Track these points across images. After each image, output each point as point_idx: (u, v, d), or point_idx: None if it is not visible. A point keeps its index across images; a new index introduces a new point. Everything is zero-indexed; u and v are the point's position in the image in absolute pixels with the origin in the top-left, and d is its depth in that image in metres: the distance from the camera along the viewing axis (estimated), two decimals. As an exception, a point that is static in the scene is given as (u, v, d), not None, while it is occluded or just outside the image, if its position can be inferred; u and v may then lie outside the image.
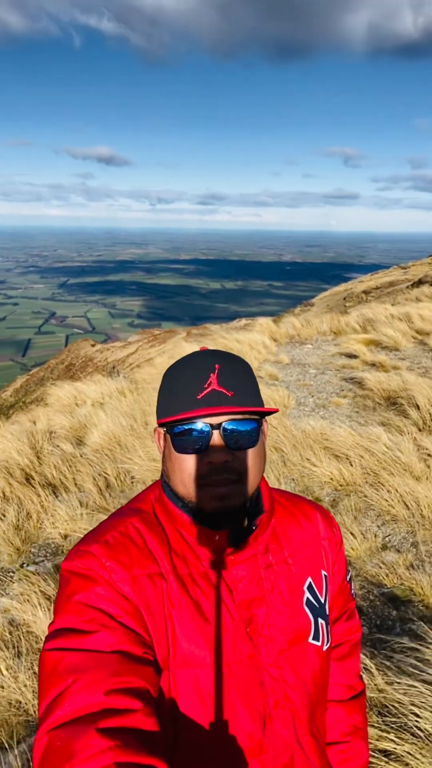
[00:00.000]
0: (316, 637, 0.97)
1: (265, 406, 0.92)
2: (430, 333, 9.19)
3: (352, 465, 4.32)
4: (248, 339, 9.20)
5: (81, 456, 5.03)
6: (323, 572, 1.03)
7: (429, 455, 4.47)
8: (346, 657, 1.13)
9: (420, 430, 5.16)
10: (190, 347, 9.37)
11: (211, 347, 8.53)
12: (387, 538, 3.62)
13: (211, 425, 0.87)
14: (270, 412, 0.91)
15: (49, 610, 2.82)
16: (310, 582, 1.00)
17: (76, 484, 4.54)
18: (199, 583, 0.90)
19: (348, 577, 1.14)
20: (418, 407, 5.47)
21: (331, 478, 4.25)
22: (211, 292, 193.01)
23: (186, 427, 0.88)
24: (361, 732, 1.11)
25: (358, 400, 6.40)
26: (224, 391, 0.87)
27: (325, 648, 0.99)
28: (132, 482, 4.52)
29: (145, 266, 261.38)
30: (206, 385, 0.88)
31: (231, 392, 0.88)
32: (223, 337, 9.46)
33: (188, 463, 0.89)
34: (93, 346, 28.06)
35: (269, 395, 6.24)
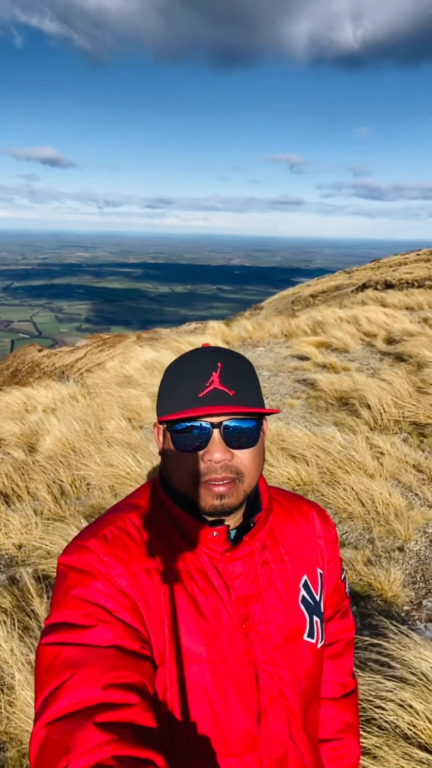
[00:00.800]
0: (310, 635, 0.98)
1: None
2: (377, 335, 9.47)
3: (308, 465, 4.39)
4: (201, 342, 9.20)
5: (33, 463, 4.87)
6: (319, 570, 1.04)
7: (381, 453, 4.60)
8: (339, 655, 1.14)
9: (372, 429, 5.30)
10: (143, 351, 9.28)
11: (165, 351, 8.48)
12: (344, 535, 3.69)
13: (211, 424, 0.88)
14: (270, 413, 0.92)
15: (5, 623, 2.70)
16: (305, 579, 1.01)
17: (29, 492, 4.39)
18: (196, 579, 0.90)
19: (342, 576, 1.15)
20: (369, 407, 5.61)
21: (289, 478, 4.29)
22: (161, 295, 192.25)
23: (186, 425, 0.89)
24: (353, 729, 1.12)
25: (311, 401, 6.51)
26: (226, 390, 0.88)
27: (319, 645, 1.00)
28: (88, 489, 4.42)
29: (93, 270, 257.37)
30: (208, 384, 0.88)
31: (233, 391, 0.88)
32: (176, 341, 9.43)
33: (187, 460, 0.89)
34: (40, 351, 27.35)
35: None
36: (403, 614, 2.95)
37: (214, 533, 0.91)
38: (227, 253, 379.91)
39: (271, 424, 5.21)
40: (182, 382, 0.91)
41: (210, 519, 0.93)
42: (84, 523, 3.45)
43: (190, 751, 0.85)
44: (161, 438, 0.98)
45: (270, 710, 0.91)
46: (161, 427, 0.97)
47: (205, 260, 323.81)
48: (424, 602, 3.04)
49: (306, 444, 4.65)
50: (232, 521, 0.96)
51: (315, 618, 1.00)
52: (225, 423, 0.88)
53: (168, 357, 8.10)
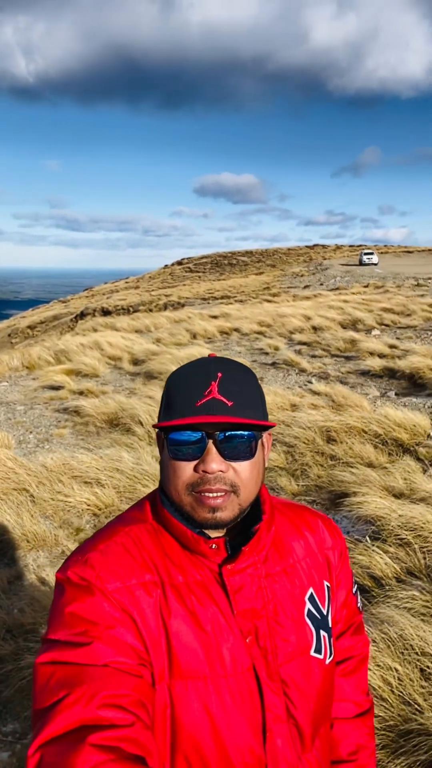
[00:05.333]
0: (318, 650, 0.95)
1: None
2: (122, 358, 9.91)
3: (105, 487, 4.41)
4: None
5: None
6: (326, 583, 1.01)
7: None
8: (352, 673, 1.10)
9: (149, 443, 5.58)
10: None
11: None
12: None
13: (207, 433, 0.86)
14: (267, 426, 0.91)
15: None
16: (311, 592, 0.98)
17: None
18: (196, 592, 0.88)
19: (354, 590, 1.12)
20: (141, 423, 5.90)
21: (88, 504, 4.25)
22: None
23: (181, 434, 0.87)
24: (368, 751, 1.08)
25: (80, 427, 6.47)
26: (224, 400, 0.86)
27: (327, 661, 0.97)
28: None
29: None
30: (206, 393, 0.86)
31: (231, 402, 0.86)
32: None
33: (182, 470, 0.88)
34: None
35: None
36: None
37: (213, 545, 0.89)
38: None
39: (56, 456, 5.03)
40: (181, 390, 0.89)
41: (207, 531, 0.91)
42: None
43: None
44: (160, 447, 0.96)
45: (276, 729, 0.88)
46: (161, 435, 0.94)
47: None
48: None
49: (96, 468, 4.66)
50: (233, 533, 0.94)
51: (322, 633, 0.97)
52: (220, 434, 0.86)
53: None
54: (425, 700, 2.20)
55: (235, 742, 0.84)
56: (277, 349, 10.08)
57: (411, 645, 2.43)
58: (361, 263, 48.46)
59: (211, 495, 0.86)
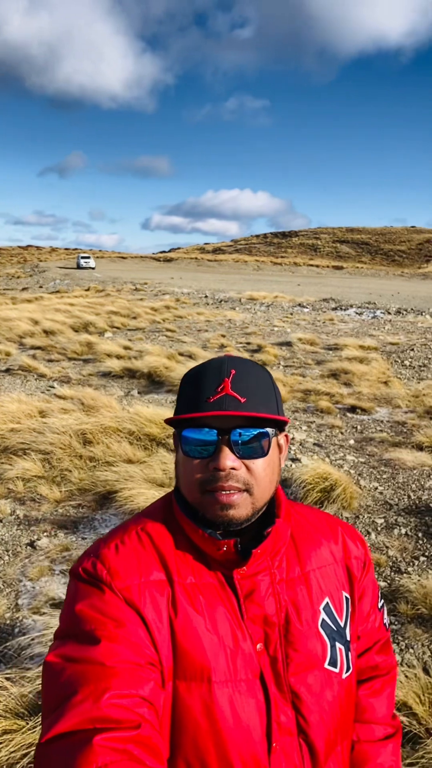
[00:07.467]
0: (333, 663, 0.91)
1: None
2: None
3: None
4: None
5: None
6: (345, 594, 0.97)
7: None
8: (377, 693, 1.05)
9: None
10: None
11: None
12: None
13: (219, 430, 0.85)
14: (282, 425, 0.90)
15: None
16: (327, 602, 0.94)
17: None
18: (206, 594, 0.86)
19: (380, 605, 1.07)
20: None
21: None
22: None
23: (194, 431, 0.86)
24: None
25: None
26: (237, 396, 0.85)
27: (344, 676, 0.92)
28: None
29: None
30: (219, 389, 0.85)
31: (244, 398, 0.85)
32: None
33: (195, 467, 0.86)
34: None
35: None
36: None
37: (224, 546, 0.86)
38: None
39: None
40: (194, 387, 0.88)
41: (219, 532, 0.88)
42: None
43: None
44: (175, 445, 0.93)
45: (282, 742, 0.85)
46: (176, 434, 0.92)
47: None
48: None
49: None
50: (247, 536, 0.91)
51: (338, 645, 0.92)
52: (233, 431, 0.85)
53: None
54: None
55: (237, 749, 0.81)
56: (8, 354, 9.48)
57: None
58: (79, 267, 48.69)
59: (223, 492, 0.84)
